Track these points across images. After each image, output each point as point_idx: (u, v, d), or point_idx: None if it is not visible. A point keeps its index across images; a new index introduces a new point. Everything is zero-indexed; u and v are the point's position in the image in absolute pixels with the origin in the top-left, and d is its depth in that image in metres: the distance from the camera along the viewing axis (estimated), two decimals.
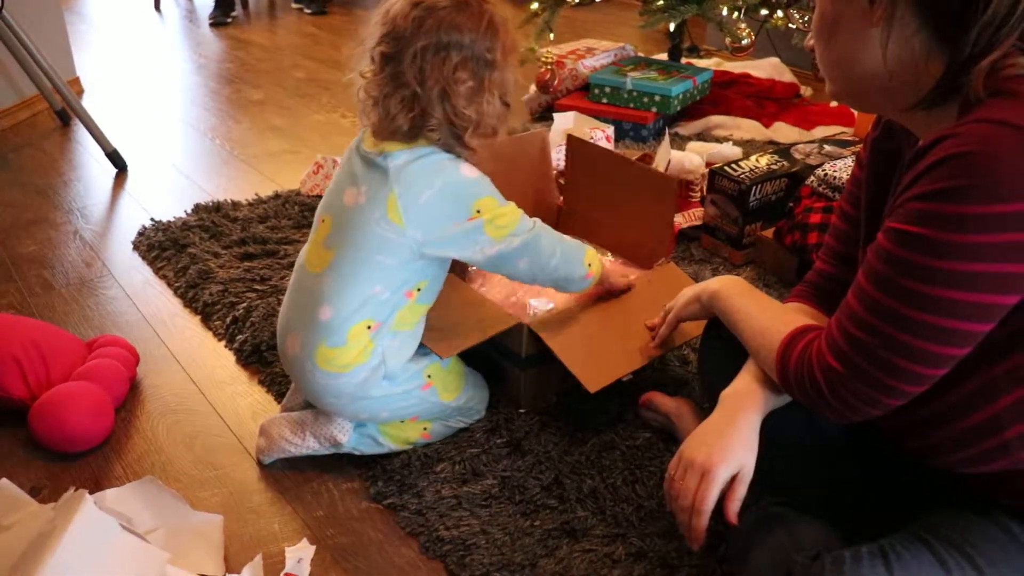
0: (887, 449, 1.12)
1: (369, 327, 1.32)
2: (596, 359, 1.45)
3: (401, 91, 1.26)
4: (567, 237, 1.45)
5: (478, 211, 1.30)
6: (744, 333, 1.15)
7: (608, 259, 1.74)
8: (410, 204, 1.28)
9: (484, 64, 1.26)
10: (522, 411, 1.53)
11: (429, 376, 1.41)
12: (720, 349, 1.33)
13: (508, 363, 1.53)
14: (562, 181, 1.92)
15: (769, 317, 1.14)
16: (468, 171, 1.31)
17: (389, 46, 1.26)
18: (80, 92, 3.42)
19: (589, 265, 1.46)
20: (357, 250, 1.30)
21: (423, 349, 1.43)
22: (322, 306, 1.32)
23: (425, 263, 1.33)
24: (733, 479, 1.07)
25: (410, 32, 1.23)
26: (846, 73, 0.99)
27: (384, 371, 1.35)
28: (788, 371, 1.04)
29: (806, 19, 2.73)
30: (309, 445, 1.41)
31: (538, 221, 1.40)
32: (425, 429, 1.44)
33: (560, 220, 1.93)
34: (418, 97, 1.25)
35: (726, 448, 1.07)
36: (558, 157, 2.15)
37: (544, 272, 1.40)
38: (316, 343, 1.33)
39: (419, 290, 1.35)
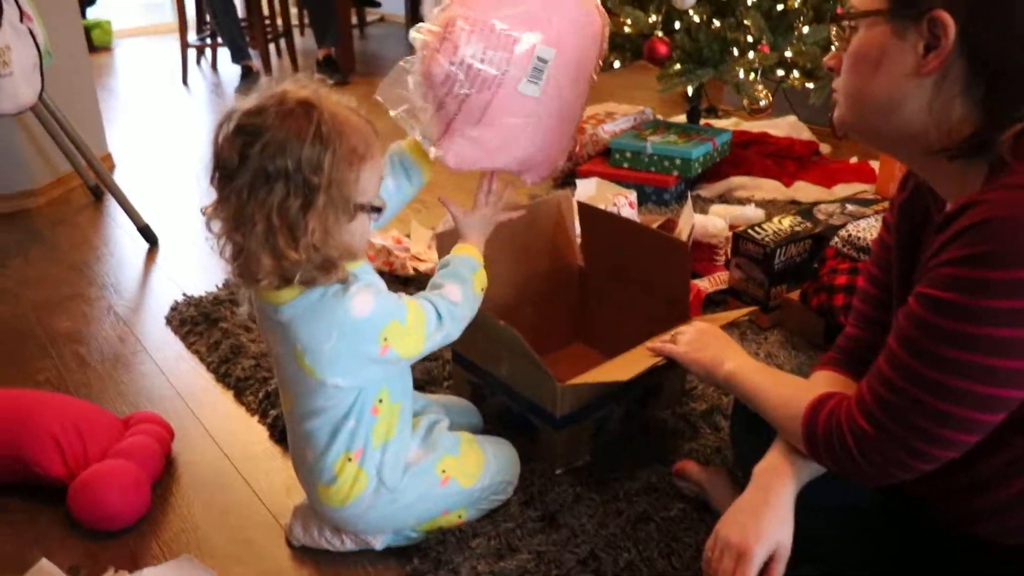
0: (926, 517, 1.11)
1: (350, 459, 1.30)
2: (618, 367, 1.49)
3: (244, 231, 1.12)
4: (454, 274, 1.36)
5: (385, 340, 1.22)
6: (767, 409, 1.16)
7: None
8: (317, 358, 1.21)
9: (315, 188, 1.10)
10: (558, 473, 1.54)
11: (444, 471, 1.38)
12: (752, 417, 1.34)
13: (541, 422, 1.54)
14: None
15: (791, 389, 1.15)
16: (360, 307, 1.19)
17: (221, 181, 1.14)
18: (112, 167, 3.50)
19: (482, 289, 1.39)
20: (299, 396, 1.29)
21: (428, 442, 1.40)
22: (304, 448, 1.33)
23: (369, 382, 1.29)
24: (771, 557, 1.06)
25: (236, 165, 1.11)
26: (871, 111, 0.99)
27: (386, 489, 1.33)
28: (816, 435, 1.04)
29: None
30: (346, 546, 1.41)
31: (437, 298, 1.31)
32: (460, 517, 1.43)
33: (582, 283, 1.95)
34: (261, 238, 1.11)
35: (761, 527, 1.06)
36: None
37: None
38: (313, 483, 1.34)
39: (381, 401, 1.30)
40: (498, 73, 1.32)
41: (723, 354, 1.29)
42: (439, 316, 1.29)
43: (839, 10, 1.04)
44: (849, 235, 2.01)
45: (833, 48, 1.06)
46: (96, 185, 3.11)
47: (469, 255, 1.41)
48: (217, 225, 1.16)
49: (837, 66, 1.03)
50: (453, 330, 1.32)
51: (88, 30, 5.58)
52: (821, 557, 1.16)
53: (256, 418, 1.79)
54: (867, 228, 2.01)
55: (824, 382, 1.22)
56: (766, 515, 1.08)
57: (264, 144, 1.09)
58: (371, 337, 1.21)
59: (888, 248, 1.18)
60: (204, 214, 1.17)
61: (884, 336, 1.18)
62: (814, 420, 1.04)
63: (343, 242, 1.16)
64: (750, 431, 1.37)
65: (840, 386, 1.21)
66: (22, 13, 2.46)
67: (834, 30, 1.04)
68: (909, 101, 0.94)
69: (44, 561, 1.37)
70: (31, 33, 2.48)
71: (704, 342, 1.36)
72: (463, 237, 1.45)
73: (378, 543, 1.40)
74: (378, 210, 1.21)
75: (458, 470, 1.39)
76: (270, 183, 1.10)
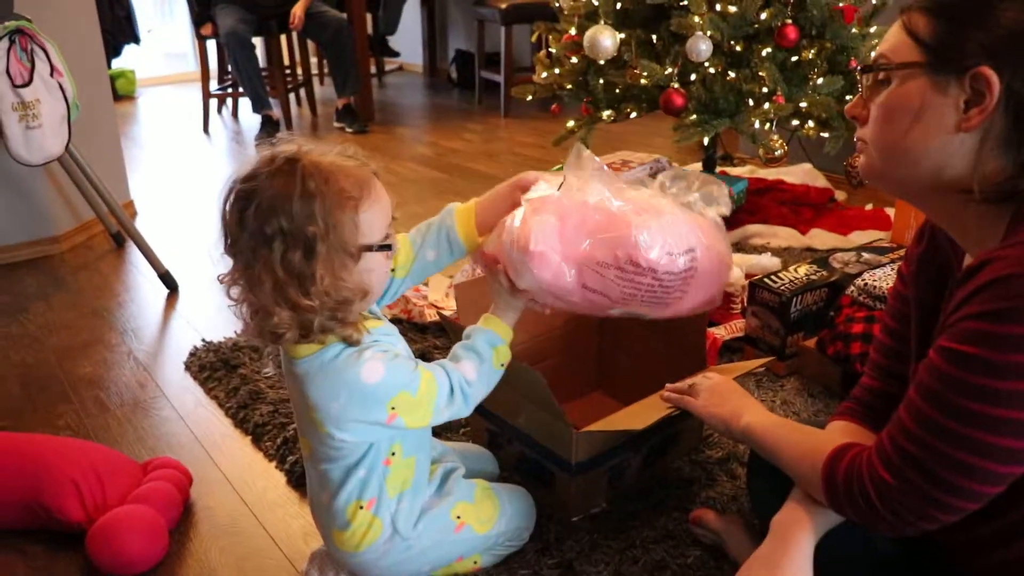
0: (950, 568, 1.10)
1: (362, 507, 1.30)
2: (633, 415, 1.51)
3: (256, 292, 1.15)
4: (474, 349, 1.33)
5: (393, 408, 1.22)
6: (786, 461, 1.16)
7: None
8: (326, 415, 1.23)
9: (313, 237, 1.12)
10: (574, 520, 1.54)
11: (459, 517, 1.38)
12: (768, 466, 1.34)
13: (557, 469, 1.54)
14: None
15: (809, 440, 1.15)
16: (370, 374, 1.20)
17: (230, 248, 1.18)
18: (134, 215, 3.56)
19: (502, 365, 1.35)
20: (312, 445, 1.31)
21: (441, 490, 1.41)
22: (319, 492, 1.34)
23: (379, 439, 1.29)
24: None
25: (238, 231, 1.15)
26: (905, 164, 0.99)
27: (400, 538, 1.33)
28: (836, 485, 1.03)
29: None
30: None
31: (453, 371, 1.29)
32: (475, 563, 1.43)
33: (601, 332, 1.96)
34: (273, 294, 1.14)
35: None
36: None
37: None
38: (329, 527, 1.35)
39: (394, 454, 1.31)
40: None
41: (740, 408, 1.29)
42: (451, 392, 1.28)
43: (871, 59, 1.04)
44: (865, 283, 2.02)
45: (856, 95, 1.06)
46: (118, 232, 3.15)
47: (495, 330, 1.34)
48: (235, 291, 1.20)
49: (863, 116, 1.03)
50: (463, 409, 1.30)
51: (113, 80, 5.70)
52: None
53: (274, 464, 1.80)
54: (883, 277, 2.01)
55: (841, 433, 1.22)
56: (785, 567, 1.08)
57: (256, 206, 1.13)
58: (379, 404, 1.22)
59: (904, 300, 1.18)
60: (222, 282, 1.20)
61: (901, 387, 1.18)
62: (834, 470, 1.04)
63: (357, 282, 1.18)
64: (766, 479, 1.37)
65: (857, 437, 1.21)
66: (52, 68, 2.52)
67: (861, 78, 1.04)
68: (946, 155, 0.95)
69: None
70: (60, 87, 2.55)
71: (721, 396, 1.35)
72: (495, 308, 1.37)
73: None
74: (386, 248, 1.22)
75: (473, 516, 1.39)
76: (269, 242, 1.13)
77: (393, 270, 1.32)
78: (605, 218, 1.27)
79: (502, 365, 1.35)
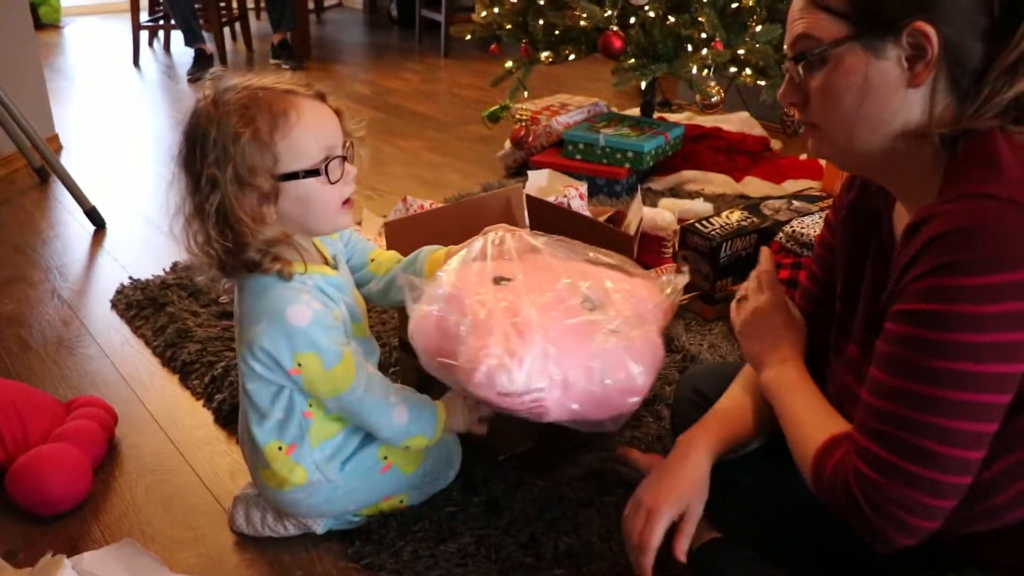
0: None
1: (281, 448, 1.30)
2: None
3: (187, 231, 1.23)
4: (411, 401, 1.34)
5: (299, 364, 1.22)
6: (786, 433, 1.11)
7: None
8: (245, 335, 1.24)
9: (213, 175, 1.15)
10: (500, 459, 1.55)
11: (385, 457, 1.38)
12: (692, 405, 1.37)
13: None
14: None
15: (812, 422, 1.08)
16: (295, 315, 1.19)
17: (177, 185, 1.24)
18: (59, 149, 3.44)
19: (405, 445, 1.36)
20: (240, 372, 1.30)
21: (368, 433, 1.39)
22: (244, 427, 1.35)
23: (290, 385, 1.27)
24: (681, 517, 1.11)
25: (175, 168, 1.22)
26: (864, 134, 0.97)
27: (325, 479, 1.33)
28: (823, 483, 1.00)
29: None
30: (289, 531, 1.41)
31: (375, 381, 1.30)
32: (401, 501, 1.43)
33: None
34: (203, 235, 1.21)
35: (673, 489, 1.13)
36: None
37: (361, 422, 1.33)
38: (254, 464, 1.35)
39: (312, 406, 1.29)
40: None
41: (767, 353, 1.20)
42: (368, 398, 1.28)
43: (789, 43, 0.99)
44: (794, 231, 2.05)
45: (784, 82, 1.02)
46: (42, 166, 3.05)
47: (439, 417, 1.37)
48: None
49: (800, 101, 1.00)
50: (368, 419, 1.30)
51: (35, 7, 5.48)
52: (764, 546, 1.19)
53: (201, 402, 1.79)
54: (811, 224, 2.05)
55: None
56: (679, 477, 1.14)
57: (178, 145, 1.18)
58: (288, 349, 1.20)
59: (829, 248, 1.19)
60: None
61: (820, 335, 1.20)
62: (821, 468, 1.00)
63: (289, 215, 1.19)
64: (689, 418, 1.40)
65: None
66: None
67: (789, 65, 1.00)
68: (904, 112, 0.94)
69: None
70: None
71: (757, 328, 1.24)
72: (447, 405, 1.39)
73: (319, 527, 1.41)
74: (314, 173, 1.18)
75: (399, 456, 1.39)
76: (189, 180, 1.18)
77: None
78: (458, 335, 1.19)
79: (406, 448, 1.37)
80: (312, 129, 1.18)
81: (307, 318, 1.19)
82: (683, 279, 1.37)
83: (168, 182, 1.21)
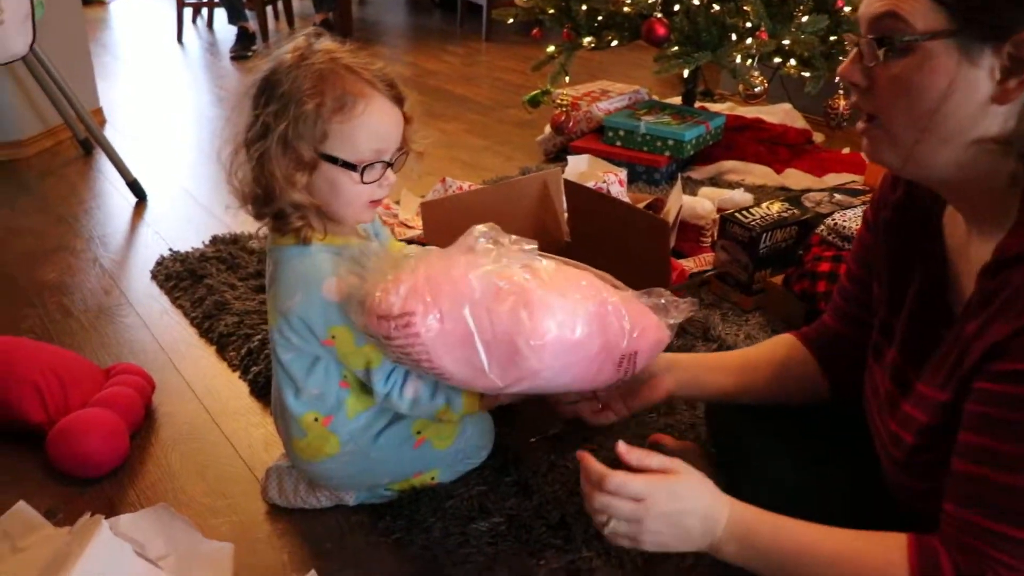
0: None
1: (316, 419, 1.30)
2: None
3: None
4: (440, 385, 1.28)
5: (333, 336, 1.22)
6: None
7: None
8: (279, 307, 1.24)
9: (268, 122, 1.17)
10: (532, 441, 1.55)
11: (419, 432, 1.38)
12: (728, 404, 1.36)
13: None
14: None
15: (855, 549, 0.94)
16: (331, 289, 1.20)
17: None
18: (103, 122, 3.49)
19: (440, 419, 1.34)
20: (273, 343, 1.30)
21: None
22: (278, 398, 1.35)
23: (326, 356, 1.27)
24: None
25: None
26: (932, 143, 0.88)
27: (359, 451, 1.33)
28: None
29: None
30: (320, 502, 1.43)
31: (396, 373, 1.27)
32: (432, 478, 1.44)
33: (568, 257, 1.96)
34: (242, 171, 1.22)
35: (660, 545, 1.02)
36: None
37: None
38: (288, 435, 1.35)
39: (346, 376, 1.30)
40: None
41: (712, 525, 1.01)
42: (387, 377, 1.26)
43: (874, 17, 0.88)
44: (835, 224, 2.03)
45: (850, 55, 0.92)
46: (86, 139, 3.09)
47: (468, 400, 1.31)
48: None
49: (863, 84, 0.91)
50: (390, 400, 1.27)
51: None
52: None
53: (237, 374, 1.80)
54: (853, 218, 2.02)
55: (783, 346, 1.29)
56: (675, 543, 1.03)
57: (252, 85, 1.19)
58: (322, 321, 1.21)
59: (867, 247, 1.15)
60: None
61: (856, 332, 1.18)
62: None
63: (318, 190, 1.20)
64: (724, 409, 1.39)
65: (794, 353, 1.27)
66: None
67: (863, 41, 0.89)
68: (981, 126, 0.85)
69: (21, 504, 1.38)
70: None
71: (677, 521, 1.01)
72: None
73: (351, 499, 1.42)
74: (350, 167, 1.18)
75: (433, 432, 1.39)
76: (250, 121, 1.18)
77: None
78: None
79: (440, 420, 1.34)
80: (371, 128, 1.18)
81: (342, 292, 1.20)
82: (687, 307, 1.28)
83: (232, 106, 1.22)
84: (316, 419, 1.31)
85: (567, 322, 1.16)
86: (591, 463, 1.05)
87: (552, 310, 1.14)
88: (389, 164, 1.22)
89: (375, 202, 1.25)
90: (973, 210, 0.95)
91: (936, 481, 0.91)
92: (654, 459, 1.04)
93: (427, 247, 1.21)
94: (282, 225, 1.22)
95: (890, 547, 0.90)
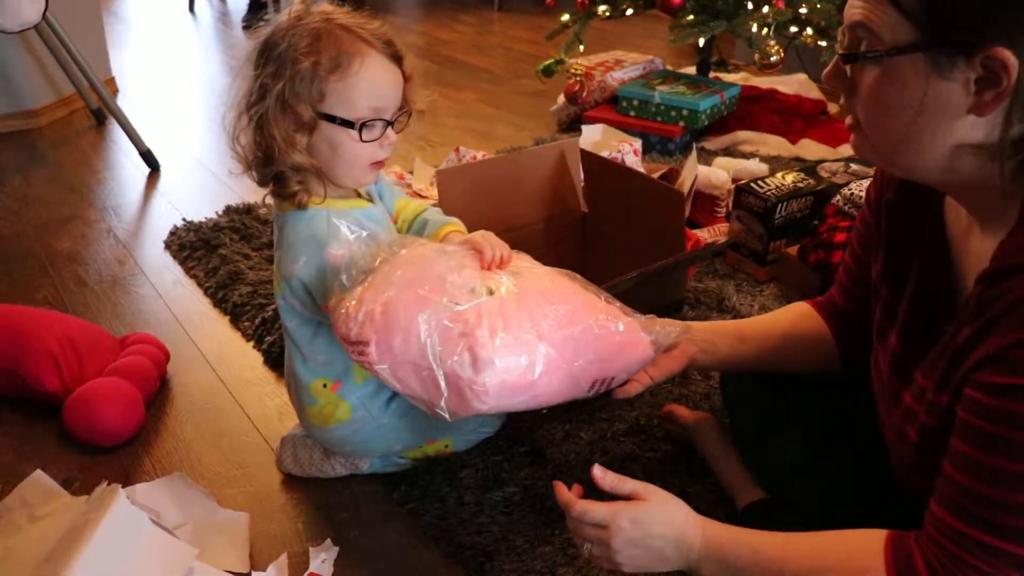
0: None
1: (326, 386, 1.31)
2: None
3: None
4: None
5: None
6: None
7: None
8: (283, 271, 1.24)
9: (265, 83, 1.17)
10: (544, 412, 1.55)
11: None
12: (743, 374, 1.36)
13: None
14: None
15: (825, 549, 0.95)
16: (337, 255, 1.19)
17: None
18: (115, 92, 3.48)
19: None
20: (281, 309, 1.30)
21: None
22: (289, 365, 1.35)
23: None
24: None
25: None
26: (910, 153, 0.87)
27: (370, 416, 1.34)
28: None
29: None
30: (336, 470, 1.43)
31: None
32: (446, 446, 1.44)
33: (584, 228, 1.96)
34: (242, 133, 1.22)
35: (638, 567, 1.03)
36: None
37: None
38: (299, 402, 1.36)
39: None
40: None
41: (685, 546, 1.01)
42: None
43: (847, 23, 0.86)
44: (851, 193, 2.01)
45: (831, 61, 0.91)
46: (99, 108, 3.09)
47: None
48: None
49: (845, 90, 0.90)
50: None
51: None
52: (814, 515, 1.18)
53: (251, 344, 1.81)
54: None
55: (796, 313, 1.29)
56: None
57: (253, 50, 1.20)
58: (322, 287, 1.20)
59: (869, 227, 1.13)
60: None
61: (860, 310, 1.16)
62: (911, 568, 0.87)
63: (319, 151, 1.19)
64: (739, 384, 1.39)
65: (809, 322, 1.27)
66: None
67: (839, 54, 0.89)
68: (960, 136, 0.83)
69: (39, 473, 1.39)
70: None
71: (646, 544, 1.02)
72: None
73: (365, 466, 1.42)
74: (348, 125, 1.17)
75: None
76: (250, 85, 1.18)
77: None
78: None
79: None
80: (368, 85, 1.17)
81: (346, 256, 1.19)
82: (672, 333, 1.25)
83: (235, 72, 1.22)
84: (325, 385, 1.31)
85: (521, 364, 1.11)
86: (561, 492, 1.08)
87: (503, 353, 1.09)
88: (389, 123, 1.21)
89: (377, 164, 1.24)
90: (971, 206, 0.94)
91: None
92: (626, 485, 1.05)
93: (404, 247, 1.17)
94: (282, 189, 1.22)
95: (868, 552, 0.90)
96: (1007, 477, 0.79)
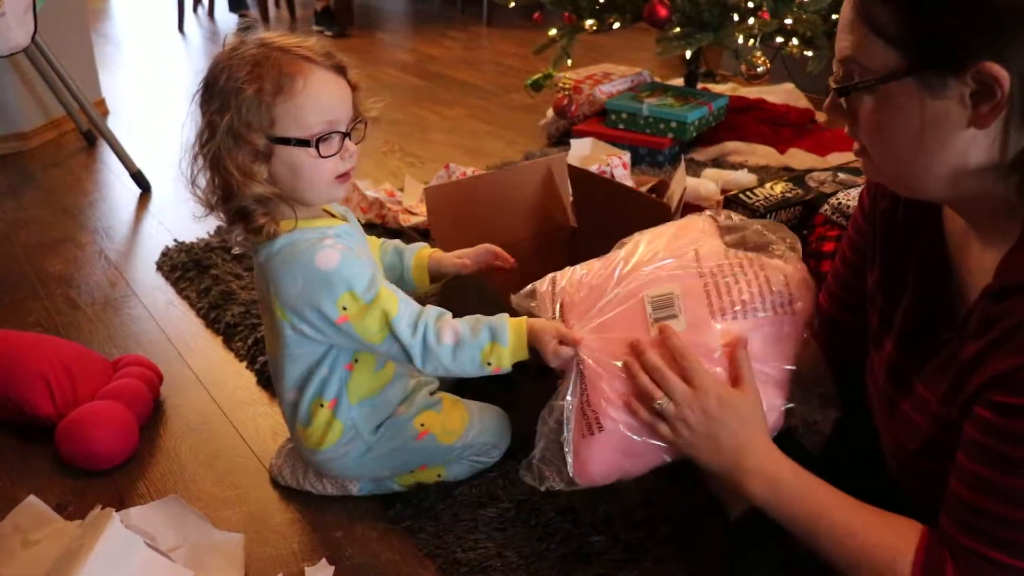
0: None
1: (322, 405, 1.31)
2: None
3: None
4: (480, 321, 1.25)
5: (344, 308, 1.19)
6: (832, 544, 0.97)
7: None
8: (286, 301, 1.22)
9: (213, 122, 1.16)
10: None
11: (422, 425, 1.38)
12: None
13: (514, 372, 1.55)
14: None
15: (870, 525, 0.96)
16: (324, 260, 1.18)
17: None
18: (106, 113, 3.49)
19: (488, 364, 1.23)
20: (276, 338, 1.29)
21: (408, 400, 1.40)
22: (283, 387, 1.34)
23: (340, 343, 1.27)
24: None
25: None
26: (918, 172, 0.88)
27: (361, 440, 1.35)
28: None
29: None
30: (326, 490, 1.43)
31: (428, 317, 1.23)
32: (439, 476, 1.43)
33: (574, 243, 1.96)
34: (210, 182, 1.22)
35: (690, 447, 1.07)
36: None
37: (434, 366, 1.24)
38: (292, 423, 1.36)
39: (357, 361, 1.30)
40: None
41: (750, 455, 1.03)
42: (414, 327, 1.21)
43: (838, 57, 0.88)
44: (839, 203, 2.02)
45: (829, 97, 0.93)
46: (89, 130, 3.09)
47: (512, 330, 1.24)
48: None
49: (848, 123, 0.91)
50: (420, 359, 1.22)
51: None
52: None
53: (244, 364, 1.81)
54: (857, 197, 2.01)
55: None
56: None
57: (197, 91, 1.20)
58: (331, 294, 1.19)
59: (864, 234, 1.14)
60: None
61: (852, 318, 1.17)
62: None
63: (282, 178, 1.18)
64: None
65: None
66: None
67: (833, 89, 0.91)
68: (965, 151, 0.84)
69: (32, 498, 1.39)
70: None
71: (712, 428, 1.05)
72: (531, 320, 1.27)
73: (355, 489, 1.42)
74: (304, 144, 1.16)
75: (438, 426, 1.39)
76: (200, 125, 1.18)
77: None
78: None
79: (488, 364, 1.23)
80: (315, 100, 1.16)
81: (335, 259, 1.19)
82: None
83: (185, 119, 1.22)
84: (322, 405, 1.31)
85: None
86: (676, 336, 1.09)
87: None
88: (346, 135, 1.21)
89: (342, 177, 1.23)
90: (973, 220, 0.95)
91: (938, 485, 0.92)
92: (744, 369, 1.07)
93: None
94: (249, 224, 1.20)
95: (903, 536, 0.92)
96: (1017, 495, 0.81)
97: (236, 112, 1.13)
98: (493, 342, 1.23)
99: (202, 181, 1.20)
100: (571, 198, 1.98)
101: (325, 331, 1.23)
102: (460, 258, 1.48)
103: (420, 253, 1.47)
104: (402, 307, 1.22)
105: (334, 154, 1.19)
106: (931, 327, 0.98)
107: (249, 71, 1.13)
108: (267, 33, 1.19)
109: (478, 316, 1.26)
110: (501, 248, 1.52)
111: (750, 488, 1.02)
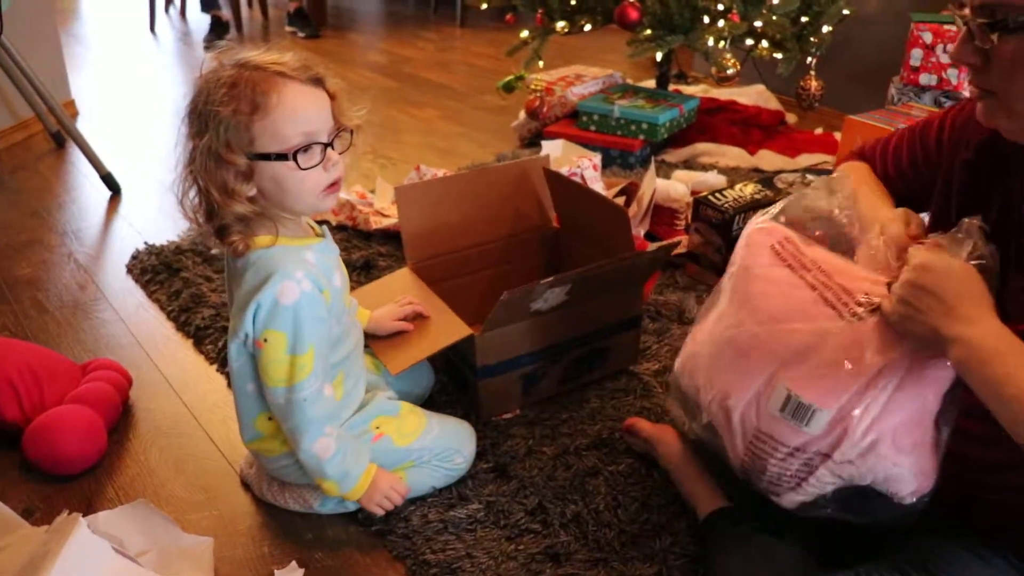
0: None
1: (271, 419, 1.32)
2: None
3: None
4: (346, 446, 1.31)
5: (266, 340, 1.22)
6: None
7: None
8: (236, 311, 1.25)
9: (193, 146, 1.18)
10: (494, 420, 1.58)
11: (377, 427, 1.39)
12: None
13: (467, 371, 1.59)
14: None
15: None
16: (284, 293, 1.20)
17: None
18: (75, 115, 3.45)
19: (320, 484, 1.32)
20: (230, 344, 1.30)
21: (365, 405, 1.41)
22: (236, 398, 1.35)
23: None
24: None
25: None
26: None
27: None
28: None
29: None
30: (288, 504, 1.43)
31: (326, 401, 1.28)
32: (400, 480, 1.40)
33: (558, 244, 1.97)
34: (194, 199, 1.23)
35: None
36: None
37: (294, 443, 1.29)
38: (246, 432, 1.37)
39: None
40: None
41: (966, 314, 0.94)
42: (308, 409, 1.25)
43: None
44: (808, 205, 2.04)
45: (961, 38, 0.92)
46: (58, 132, 3.07)
47: (362, 480, 1.33)
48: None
49: (976, 64, 0.92)
50: (295, 426, 1.26)
51: None
52: (764, 514, 1.20)
53: (215, 367, 1.80)
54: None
55: (855, 170, 1.29)
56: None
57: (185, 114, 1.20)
58: (265, 322, 1.21)
59: (942, 147, 1.14)
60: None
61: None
62: None
63: (268, 192, 1.19)
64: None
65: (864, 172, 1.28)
66: None
67: (971, 22, 0.90)
68: None
69: None
70: None
71: (919, 306, 0.97)
72: (377, 475, 1.35)
73: (317, 502, 1.41)
74: (282, 158, 1.17)
75: (393, 429, 1.40)
76: (185, 147, 1.20)
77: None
78: None
79: (315, 482, 1.33)
80: (290, 113, 1.16)
81: (293, 297, 1.20)
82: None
83: (175, 143, 1.23)
84: (270, 418, 1.32)
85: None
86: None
87: None
88: (328, 145, 1.21)
89: (330, 187, 1.23)
90: None
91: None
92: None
93: None
94: (223, 239, 1.22)
95: None
96: None
97: (215, 134, 1.14)
98: (336, 483, 1.31)
99: (188, 199, 1.22)
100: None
101: (247, 343, 1.25)
102: (395, 319, 1.56)
103: (360, 313, 1.53)
104: (310, 378, 1.24)
105: (315, 165, 1.19)
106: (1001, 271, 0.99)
107: (225, 92, 1.14)
108: (245, 53, 1.20)
109: (360, 451, 1.34)
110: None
111: (963, 345, 0.93)
